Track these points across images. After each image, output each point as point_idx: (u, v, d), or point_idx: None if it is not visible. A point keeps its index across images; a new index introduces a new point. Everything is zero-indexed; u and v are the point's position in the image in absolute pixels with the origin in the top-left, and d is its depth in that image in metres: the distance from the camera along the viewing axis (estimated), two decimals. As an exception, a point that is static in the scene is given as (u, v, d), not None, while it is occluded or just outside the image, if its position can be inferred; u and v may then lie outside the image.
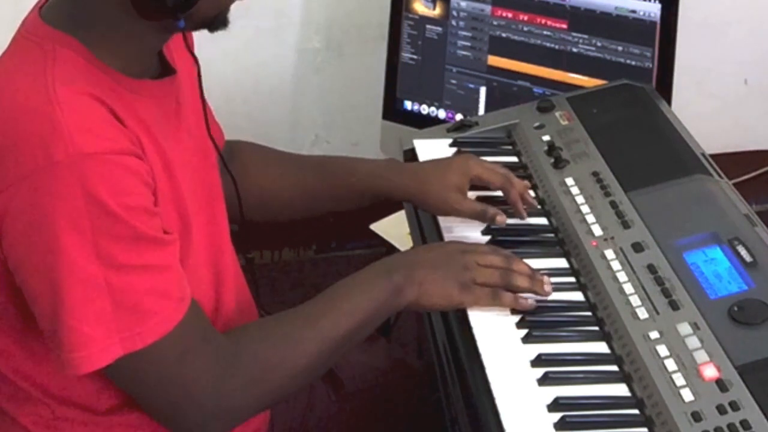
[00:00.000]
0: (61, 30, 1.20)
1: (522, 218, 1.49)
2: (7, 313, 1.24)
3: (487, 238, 1.47)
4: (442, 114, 2.07)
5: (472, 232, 1.48)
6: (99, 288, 1.13)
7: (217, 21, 1.25)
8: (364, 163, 1.58)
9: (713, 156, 1.57)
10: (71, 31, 1.20)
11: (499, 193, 1.52)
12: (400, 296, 1.32)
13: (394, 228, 2.03)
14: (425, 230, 1.55)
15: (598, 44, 1.89)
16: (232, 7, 1.25)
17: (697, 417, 1.14)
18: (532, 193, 1.54)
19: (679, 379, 1.18)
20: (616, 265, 1.36)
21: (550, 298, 1.35)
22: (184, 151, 1.31)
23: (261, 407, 1.33)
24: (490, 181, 1.51)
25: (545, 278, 1.35)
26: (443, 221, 1.51)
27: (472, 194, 1.52)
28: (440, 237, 1.49)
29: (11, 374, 1.27)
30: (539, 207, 1.53)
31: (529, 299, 1.33)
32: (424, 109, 2.08)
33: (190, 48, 1.26)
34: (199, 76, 1.30)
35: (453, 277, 1.33)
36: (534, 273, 1.35)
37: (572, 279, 1.39)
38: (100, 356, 1.15)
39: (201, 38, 1.30)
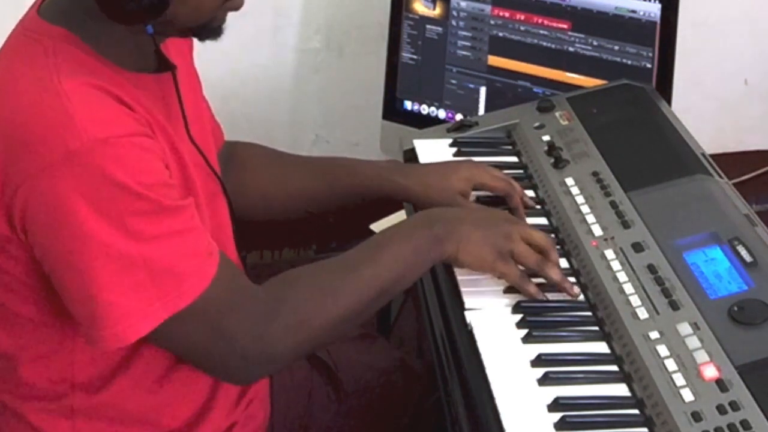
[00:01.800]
0: (59, 26, 1.21)
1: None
2: (28, 308, 1.26)
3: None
4: (442, 114, 2.07)
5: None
6: (132, 262, 1.16)
7: (203, 31, 1.26)
8: (366, 164, 1.59)
9: (713, 156, 1.57)
10: (69, 26, 1.21)
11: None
12: (440, 248, 1.34)
13: (394, 228, 2.03)
14: (425, 230, 1.55)
15: (598, 44, 1.89)
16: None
17: (697, 417, 1.14)
18: (531, 193, 1.55)
19: (679, 379, 1.18)
20: (616, 265, 1.36)
21: (550, 298, 1.35)
22: (183, 146, 1.31)
23: (301, 353, 1.37)
24: (494, 188, 1.52)
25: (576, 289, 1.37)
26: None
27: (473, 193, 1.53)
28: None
29: (20, 371, 1.28)
30: (539, 207, 1.53)
31: (549, 296, 1.34)
32: (424, 109, 2.08)
33: (159, 50, 1.27)
34: (175, 82, 1.31)
35: (493, 242, 1.34)
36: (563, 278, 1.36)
37: (572, 279, 1.39)
38: (144, 323, 1.18)
39: (201, 38, 1.30)
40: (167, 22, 1.21)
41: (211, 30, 1.26)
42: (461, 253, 1.34)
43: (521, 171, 1.62)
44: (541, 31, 1.94)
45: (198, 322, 1.22)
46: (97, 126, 1.15)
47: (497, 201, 1.53)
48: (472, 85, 2.02)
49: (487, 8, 1.98)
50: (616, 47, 1.87)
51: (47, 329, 1.26)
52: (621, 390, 1.22)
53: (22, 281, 1.24)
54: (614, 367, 1.25)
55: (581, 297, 1.36)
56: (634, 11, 1.85)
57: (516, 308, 1.33)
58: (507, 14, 1.97)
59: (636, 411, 1.19)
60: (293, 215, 1.64)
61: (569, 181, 1.53)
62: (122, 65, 1.24)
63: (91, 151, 1.13)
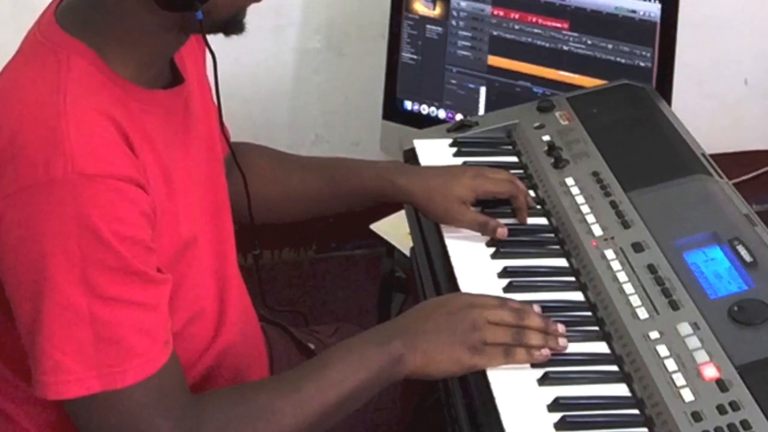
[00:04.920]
0: (76, 36, 1.18)
1: (524, 224, 1.50)
2: (4, 314, 1.23)
3: (488, 237, 1.46)
4: (442, 114, 2.07)
5: (472, 232, 1.48)
6: (81, 317, 1.10)
7: (233, 23, 1.23)
8: (369, 165, 1.57)
9: (713, 156, 1.57)
10: (85, 37, 1.18)
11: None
12: (400, 365, 1.24)
13: (394, 228, 2.03)
14: (425, 230, 1.55)
15: (598, 44, 1.89)
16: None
17: (697, 417, 1.14)
18: (531, 193, 1.55)
19: (679, 379, 1.18)
20: (616, 265, 1.36)
21: (550, 298, 1.34)
22: (190, 164, 1.30)
23: None
24: (498, 193, 1.51)
25: (560, 328, 1.27)
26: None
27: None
28: (440, 237, 1.49)
29: (12, 374, 1.27)
30: (539, 207, 1.53)
31: (544, 351, 1.25)
32: (424, 109, 2.08)
33: (207, 41, 1.24)
34: (215, 73, 1.28)
35: (461, 340, 1.24)
36: (547, 324, 1.27)
37: (572, 279, 1.39)
38: (74, 387, 1.11)
39: (201, 38, 1.30)
40: (207, 13, 1.17)
41: (237, 24, 1.23)
42: (431, 365, 1.24)
43: (521, 171, 1.61)
44: (541, 31, 1.94)
45: (121, 411, 1.12)
46: (87, 159, 1.09)
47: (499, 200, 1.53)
48: (472, 85, 2.02)
49: (487, 8, 1.98)
50: (616, 47, 1.87)
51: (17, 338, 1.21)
52: (621, 390, 1.22)
53: None
54: (614, 367, 1.25)
55: (581, 297, 1.36)
56: (634, 11, 1.85)
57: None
58: (507, 14, 1.97)
59: (636, 411, 1.19)
60: (295, 218, 1.63)
61: (569, 181, 1.53)
62: (135, 81, 1.20)
63: (71, 183, 1.08)
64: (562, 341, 1.26)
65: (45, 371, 1.12)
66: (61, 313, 1.10)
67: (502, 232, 1.45)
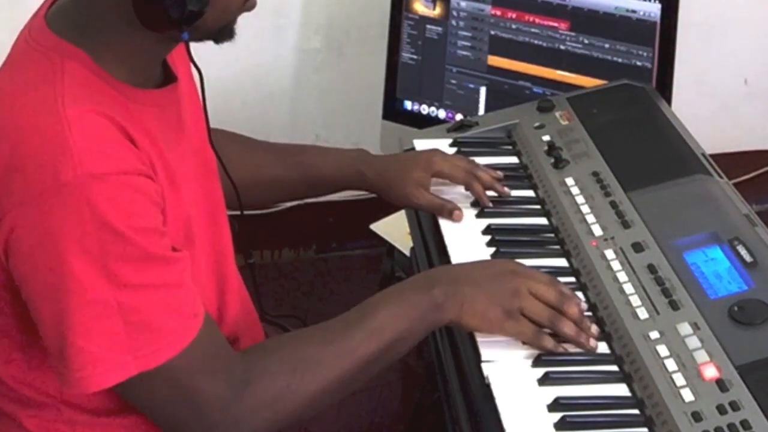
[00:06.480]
0: (68, 40, 1.18)
1: (486, 207, 1.51)
2: (8, 323, 1.23)
3: (488, 237, 1.47)
4: (442, 114, 2.07)
5: (472, 231, 1.48)
6: (109, 308, 1.12)
7: (223, 33, 1.24)
8: (334, 153, 1.61)
9: (713, 156, 1.57)
10: (77, 41, 1.18)
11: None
12: (440, 313, 1.26)
13: (394, 228, 2.03)
14: (425, 230, 1.55)
15: (598, 44, 1.89)
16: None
17: (697, 417, 1.14)
18: (531, 193, 1.55)
19: (679, 379, 1.18)
20: (616, 265, 1.36)
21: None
22: (186, 161, 1.30)
23: (273, 430, 1.26)
24: (451, 177, 1.54)
25: (593, 329, 1.28)
26: (443, 222, 1.51)
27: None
28: (440, 237, 1.49)
29: (12, 381, 1.27)
30: (539, 207, 1.53)
31: (571, 349, 1.26)
32: (424, 109, 2.08)
33: (192, 58, 1.25)
34: (203, 87, 1.30)
35: (500, 301, 1.26)
36: (583, 320, 1.28)
37: (572, 279, 1.39)
38: (111, 374, 1.14)
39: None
40: (195, 27, 1.18)
41: (228, 32, 1.24)
42: (465, 316, 1.26)
43: (521, 171, 1.62)
44: (542, 31, 1.94)
45: (168, 383, 1.17)
46: (94, 159, 1.11)
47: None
48: (472, 85, 2.02)
49: (487, 8, 1.98)
50: (616, 47, 1.87)
51: (35, 345, 1.22)
52: (621, 390, 1.22)
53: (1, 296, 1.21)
54: (614, 367, 1.25)
55: (581, 297, 1.36)
56: (634, 11, 1.85)
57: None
58: (507, 14, 1.97)
59: (636, 411, 1.19)
60: (267, 203, 1.66)
61: (569, 181, 1.53)
62: (128, 81, 1.21)
63: (82, 185, 1.09)
64: (592, 342, 1.26)
65: (79, 367, 1.13)
66: (90, 308, 1.12)
67: (459, 215, 1.48)
